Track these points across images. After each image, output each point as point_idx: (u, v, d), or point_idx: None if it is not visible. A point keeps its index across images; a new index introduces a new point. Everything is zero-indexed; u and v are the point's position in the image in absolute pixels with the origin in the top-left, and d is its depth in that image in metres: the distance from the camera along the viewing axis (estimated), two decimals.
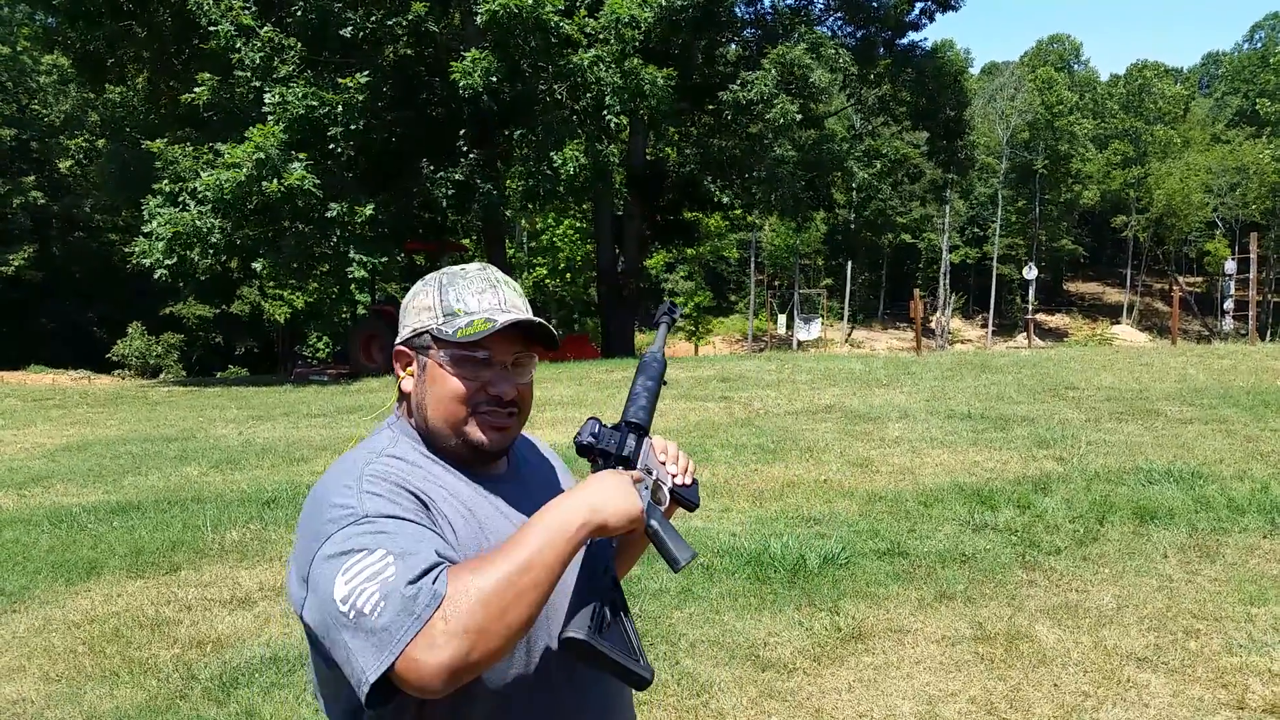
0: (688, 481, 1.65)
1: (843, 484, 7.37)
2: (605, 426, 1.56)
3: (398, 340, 1.56)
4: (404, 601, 1.22)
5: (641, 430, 1.60)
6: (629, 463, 1.55)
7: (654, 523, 1.47)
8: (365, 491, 1.38)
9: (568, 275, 45.67)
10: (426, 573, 1.25)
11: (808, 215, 29.91)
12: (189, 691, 4.24)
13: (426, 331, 1.51)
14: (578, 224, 42.29)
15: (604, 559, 1.45)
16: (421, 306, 1.53)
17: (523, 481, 1.62)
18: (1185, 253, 69.94)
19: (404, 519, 1.34)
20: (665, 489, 1.61)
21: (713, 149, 24.76)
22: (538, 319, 1.50)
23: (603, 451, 1.54)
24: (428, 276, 1.59)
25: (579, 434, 1.54)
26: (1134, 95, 71.91)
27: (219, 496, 7.77)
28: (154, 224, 18.22)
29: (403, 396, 1.58)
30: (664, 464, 1.63)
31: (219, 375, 34.01)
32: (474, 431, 1.49)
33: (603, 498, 1.37)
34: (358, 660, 1.23)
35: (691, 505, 1.66)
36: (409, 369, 1.55)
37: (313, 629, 1.32)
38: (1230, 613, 4.69)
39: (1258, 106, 64.37)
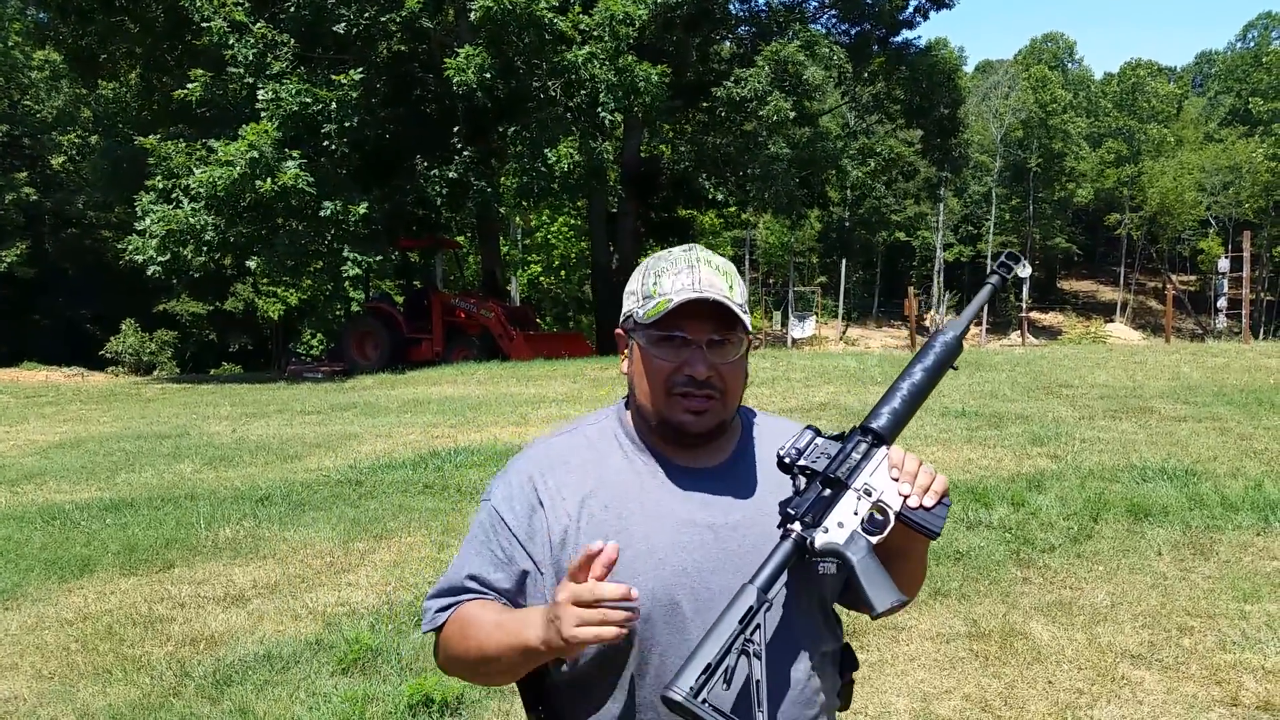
0: (928, 503, 1.42)
1: None
2: (821, 437, 1.46)
3: (621, 324, 1.61)
4: (426, 604, 1.60)
5: (877, 438, 1.47)
6: (838, 484, 1.41)
7: (854, 557, 1.36)
8: (505, 478, 1.60)
9: (562, 273, 45.61)
10: (449, 593, 1.57)
11: (802, 213, 29.88)
12: (182, 689, 4.23)
13: (630, 315, 1.56)
14: (572, 221, 42.25)
15: (744, 614, 1.33)
16: (629, 291, 1.58)
17: (737, 476, 1.55)
18: (1179, 251, 70.08)
19: (490, 525, 1.57)
20: (891, 513, 1.41)
21: (707, 146, 24.77)
22: (715, 297, 1.47)
23: (805, 469, 1.43)
24: (643, 261, 1.62)
25: (782, 446, 1.45)
26: (1128, 94, 72.03)
27: (212, 494, 7.75)
28: (147, 221, 18.17)
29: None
30: (896, 481, 1.43)
31: (212, 372, 33.94)
32: (672, 413, 1.51)
33: (541, 633, 1.37)
34: None
35: (928, 532, 1.42)
36: (625, 352, 1.61)
37: None
38: (1224, 610, 4.70)
39: (1250, 105, 64.53)
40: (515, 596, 1.53)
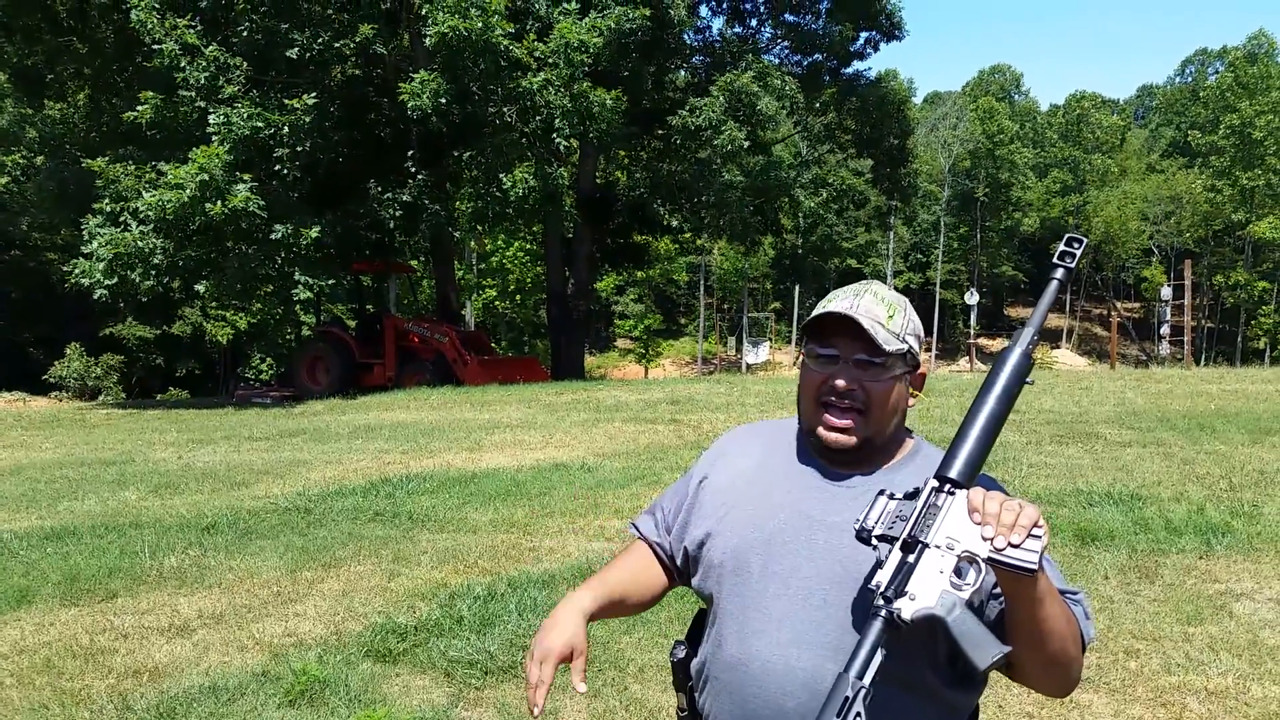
0: (1015, 540, 1.32)
1: None
2: (893, 499, 1.42)
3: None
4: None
5: (953, 484, 1.41)
6: (915, 545, 1.37)
7: (947, 618, 1.30)
8: (712, 446, 1.92)
9: (518, 297, 45.57)
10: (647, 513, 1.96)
11: (756, 240, 30.17)
12: None
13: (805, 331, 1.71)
14: (528, 246, 42.24)
15: (840, 706, 1.30)
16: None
17: (869, 489, 1.56)
18: (1123, 279, 71.60)
19: (681, 486, 1.89)
20: (980, 560, 1.33)
21: (662, 173, 24.92)
22: (854, 315, 1.59)
23: (883, 537, 1.39)
24: None
25: (859, 518, 1.43)
26: (1073, 125, 73.67)
27: (157, 522, 7.60)
28: (94, 244, 17.86)
29: None
30: (980, 525, 1.35)
31: (159, 397, 33.36)
32: (817, 423, 1.65)
33: (539, 635, 1.69)
34: None
35: (1022, 570, 1.31)
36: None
37: None
38: (1168, 633, 4.78)
39: (1189, 138, 66.29)
40: (668, 538, 1.88)
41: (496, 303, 46.52)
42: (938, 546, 1.36)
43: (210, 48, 18.22)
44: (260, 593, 5.76)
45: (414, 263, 28.31)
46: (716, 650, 1.69)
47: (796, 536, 1.63)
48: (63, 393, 33.99)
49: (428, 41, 18.24)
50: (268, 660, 4.71)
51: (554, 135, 18.94)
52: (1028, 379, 1.50)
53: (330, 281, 19.09)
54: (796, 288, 62.81)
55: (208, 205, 17.07)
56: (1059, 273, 1.55)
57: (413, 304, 27.10)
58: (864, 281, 1.72)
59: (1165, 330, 31.22)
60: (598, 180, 25.94)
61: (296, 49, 18.76)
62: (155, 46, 18.09)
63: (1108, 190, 68.39)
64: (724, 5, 28.31)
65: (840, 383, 1.61)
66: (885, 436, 1.66)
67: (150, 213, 17.29)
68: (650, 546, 1.90)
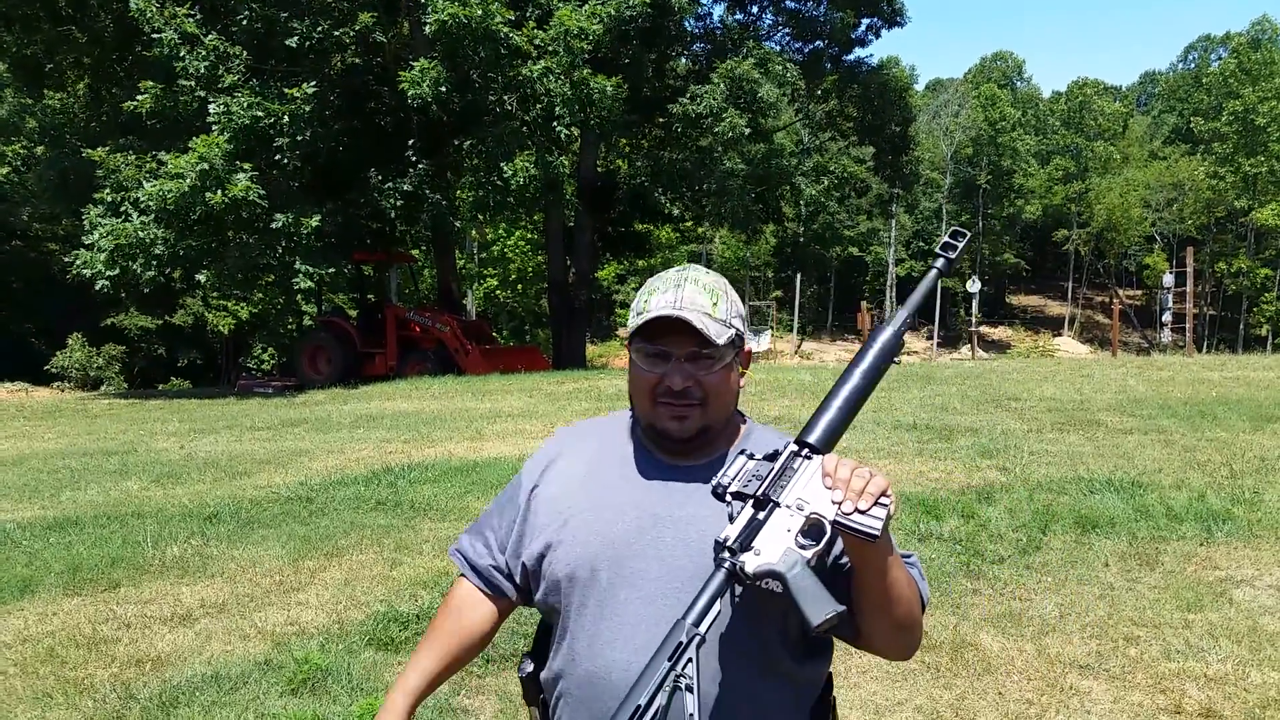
0: (863, 506, 1.35)
1: None
2: (751, 459, 1.45)
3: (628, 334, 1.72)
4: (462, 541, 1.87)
5: (811, 449, 1.45)
6: (769, 503, 1.39)
7: (787, 573, 1.33)
8: (534, 453, 1.84)
9: (519, 286, 45.50)
10: (465, 553, 1.84)
11: (757, 228, 30.12)
12: (126, 712, 4.14)
13: (629, 328, 1.66)
14: (529, 235, 42.17)
15: (674, 650, 1.32)
16: (632, 307, 1.68)
17: (707, 477, 1.53)
18: (1125, 266, 71.46)
19: (509, 499, 1.81)
20: (826, 523, 1.36)
21: (663, 161, 24.86)
22: (685, 316, 1.55)
23: (737, 494, 1.42)
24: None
25: (715, 477, 1.45)
26: (1075, 112, 73.44)
27: (160, 511, 7.61)
28: (95, 234, 17.86)
29: None
30: (830, 490, 1.39)
31: (161, 388, 33.37)
32: (657, 420, 1.62)
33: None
34: None
35: (864, 535, 1.34)
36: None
37: None
38: (1169, 619, 4.78)
39: (1192, 125, 66.07)
40: (501, 568, 1.79)
41: (498, 292, 46.46)
42: (788, 506, 1.38)
43: (210, 36, 18.19)
44: (262, 582, 5.78)
45: (415, 252, 28.28)
46: (569, 665, 1.63)
47: (643, 537, 1.59)
48: (65, 383, 34.04)
49: (427, 29, 18.18)
50: (270, 649, 4.73)
51: (555, 123, 18.89)
52: (896, 359, 1.54)
53: (331, 271, 19.09)
54: (798, 276, 62.72)
55: (208, 195, 17.06)
56: (939, 263, 1.59)
57: (414, 293, 27.09)
58: (682, 268, 1.68)
59: (1167, 318, 31.16)
60: (599, 169, 25.89)
61: (296, 37, 18.71)
62: (155, 35, 18.05)
63: (1110, 177, 68.20)
64: None
65: (676, 382, 1.58)
66: (722, 422, 1.66)
67: (151, 203, 17.28)
68: (479, 574, 1.79)
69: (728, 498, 1.43)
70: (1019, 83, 79.50)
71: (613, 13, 18.88)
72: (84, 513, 7.74)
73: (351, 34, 19.20)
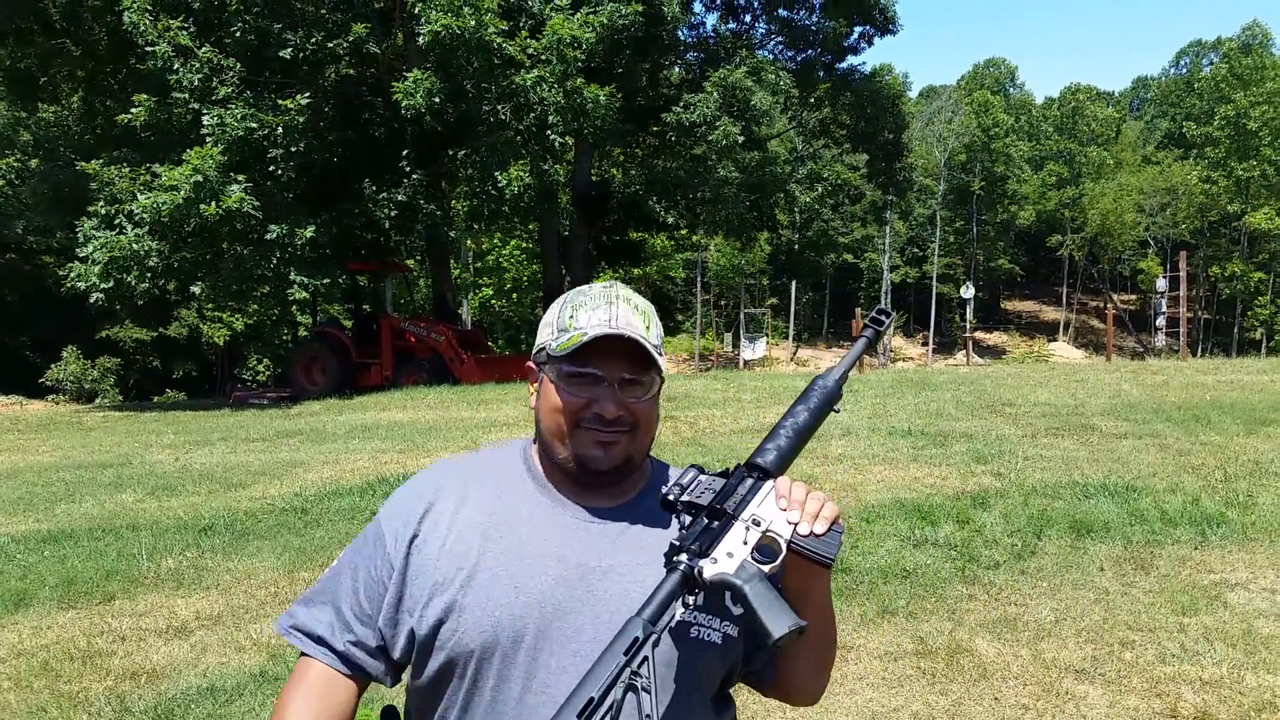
0: (818, 530, 1.36)
1: None
2: (704, 474, 1.44)
3: (533, 357, 1.58)
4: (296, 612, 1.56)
5: (762, 473, 1.44)
6: (724, 515, 1.37)
7: (744, 585, 1.30)
8: (397, 496, 1.57)
9: (514, 296, 45.56)
10: (310, 629, 1.52)
11: (752, 235, 30.18)
12: None
13: (544, 348, 1.52)
14: (524, 244, 42.21)
15: (630, 646, 1.26)
16: (544, 324, 1.55)
17: (629, 521, 1.50)
18: (1119, 271, 71.63)
19: (372, 541, 1.53)
20: (781, 542, 1.37)
21: (657, 170, 24.91)
22: (631, 334, 1.44)
23: (690, 505, 1.39)
24: (562, 295, 1.60)
25: (665, 487, 1.42)
26: (1068, 118, 73.71)
27: (155, 524, 7.60)
28: (90, 247, 17.83)
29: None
30: (785, 511, 1.39)
31: (156, 400, 33.34)
32: (581, 446, 1.47)
33: None
34: None
35: (821, 560, 1.36)
36: (534, 386, 1.57)
37: None
38: (1164, 623, 4.79)
39: (1184, 129, 66.32)
40: (368, 641, 1.49)
41: (493, 301, 46.50)
42: (744, 522, 1.37)
43: (203, 49, 18.19)
44: (258, 593, 5.77)
45: (410, 262, 28.27)
46: None
47: (572, 594, 1.43)
48: (59, 396, 33.99)
49: (421, 40, 18.21)
50: (265, 661, 4.72)
51: (548, 132, 18.92)
52: (835, 407, 1.56)
53: (326, 281, 19.07)
54: (793, 283, 62.83)
55: (202, 207, 17.05)
56: (869, 333, 1.61)
57: (409, 303, 27.09)
58: (607, 284, 1.55)
59: (1161, 322, 31.26)
60: (593, 177, 25.94)
61: (290, 49, 18.73)
62: (148, 48, 18.05)
63: (1103, 182, 68.42)
64: (718, 1, 28.33)
65: (609, 410, 1.45)
66: (643, 456, 1.54)
67: (145, 215, 17.27)
68: (336, 654, 1.49)
69: (679, 507, 1.40)
70: (1012, 89, 79.75)
71: (605, 22, 18.93)
72: (79, 525, 7.73)
73: (345, 45, 19.22)
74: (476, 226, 23.78)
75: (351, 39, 18.91)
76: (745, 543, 1.35)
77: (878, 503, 7.18)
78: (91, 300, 18.55)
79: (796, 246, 55.47)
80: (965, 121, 67.39)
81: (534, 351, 1.56)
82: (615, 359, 1.46)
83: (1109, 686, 4.18)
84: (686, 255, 59.41)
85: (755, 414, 11.79)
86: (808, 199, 31.57)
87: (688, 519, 1.39)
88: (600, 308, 1.48)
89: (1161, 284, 32.07)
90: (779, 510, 1.39)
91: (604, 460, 1.47)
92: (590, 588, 1.43)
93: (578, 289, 1.56)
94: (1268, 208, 56.83)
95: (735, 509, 1.38)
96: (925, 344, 66.70)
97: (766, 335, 51.49)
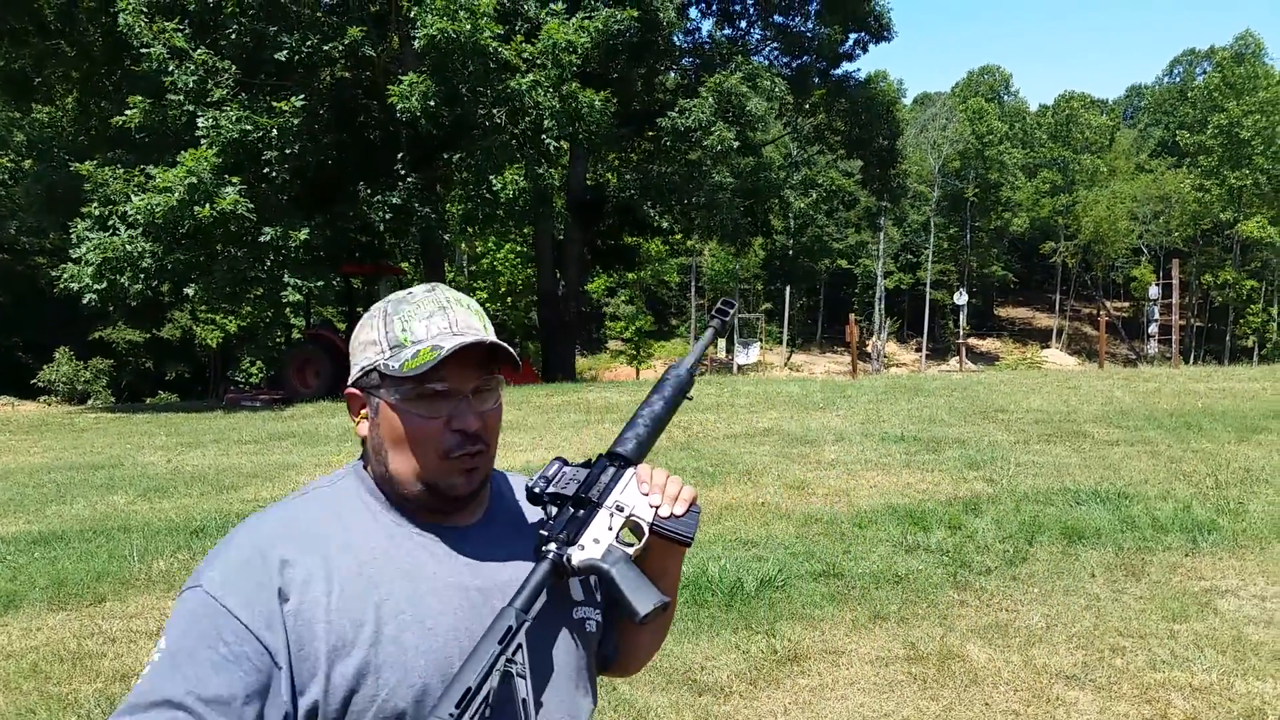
0: (678, 511, 1.41)
1: (780, 506, 7.43)
2: (568, 466, 1.45)
3: (349, 382, 1.40)
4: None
5: (623, 461, 1.47)
6: (589, 504, 1.40)
7: (610, 568, 1.35)
8: (224, 555, 1.29)
9: (509, 299, 45.53)
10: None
11: (746, 241, 30.23)
12: None
13: (373, 369, 1.35)
14: (519, 248, 42.20)
15: (504, 634, 1.25)
16: (367, 341, 1.37)
17: (496, 533, 1.44)
18: (1112, 278, 71.86)
19: (206, 617, 1.24)
20: (645, 525, 1.41)
21: (652, 175, 24.95)
22: (492, 339, 1.35)
23: (555, 495, 1.41)
24: (373, 307, 1.42)
25: (531, 479, 1.43)
26: (1062, 125, 73.96)
27: (146, 525, 7.58)
28: (83, 248, 17.79)
29: (362, 443, 1.42)
30: (647, 495, 1.42)
31: (148, 401, 33.25)
32: (443, 477, 1.34)
33: None
34: None
35: (682, 539, 1.42)
36: (362, 413, 1.39)
37: None
38: (1154, 630, 4.80)
39: (1178, 138, 66.56)
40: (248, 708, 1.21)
41: (487, 305, 46.46)
42: (608, 508, 1.42)
43: (198, 51, 18.17)
44: None
45: (404, 265, 28.26)
46: None
47: (481, 618, 1.32)
48: (51, 397, 33.92)
49: (416, 44, 18.22)
50: None
51: (543, 136, 18.94)
52: (688, 395, 1.59)
53: (320, 284, 19.05)
54: (788, 288, 62.90)
55: (196, 208, 17.03)
56: (715, 323, 1.65)
57: None
58: (430, 288, 1.41)
59: (1154, 329, 31.36)
60: (588, 182, 25.96)
61: (285, 52, 18.73)
62: (143, 50, 18.03)
63: (1097, 190, 68.65)
64: (713, 7, 28.41)
65: (471, 423, 1.34)
66: (491, 466, 1.45)
67: (139, 217, 17.23)
68: None
69: (545, 498, 1.42)
70: (1006, 96, 79.99)
71: (601, 27, 18.97)
72: (70, 527, 7.70)
73: (341, 48, 19.22)
74: (471, 230, 23.80)
75: (347, 42, 18.92)
76: (610, 528, 1.40)
77: (870, 508, 7.19)
78: (84, 301, 18.50)
79: (791, 252, 55.67)
80: (959, 128, 67.61)
81: (356, 375, 1.39)
82: (465, 368, 1.34)
83: (1099, 692, 4.19)
84: (681, 260, 59.48)
85: (749, 419, 11.79)
86: (802, 205, 31.69)
87: (554, 509, 1.41)
88: (435, 315, 1.36)
89: (1154, 291, 32.18)
90: (640, 495, 1.43)
91: (465, 487, 1.36)
92: (494, 608, 1.32)
93: (394, 298, 1.41)
94: (1260, 216, 57.08)
95: (599, 497, 1.42)
96: (918, 350, 66.81)
97: (760, 341, 51.52)
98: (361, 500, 1.38)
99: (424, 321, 1.34)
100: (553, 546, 1.36)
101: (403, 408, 1.33)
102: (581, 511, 1.41)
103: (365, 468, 1.43)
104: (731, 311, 1.67)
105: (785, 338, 64.33)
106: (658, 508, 1.41)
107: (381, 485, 1.39)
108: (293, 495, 1.41)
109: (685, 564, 5.77)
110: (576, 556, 1.36)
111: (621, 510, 1.42)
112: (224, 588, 1.25)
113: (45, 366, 35.71)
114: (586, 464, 1.47)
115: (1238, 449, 8.92)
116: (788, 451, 9.61)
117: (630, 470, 1.46)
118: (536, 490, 1.41)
